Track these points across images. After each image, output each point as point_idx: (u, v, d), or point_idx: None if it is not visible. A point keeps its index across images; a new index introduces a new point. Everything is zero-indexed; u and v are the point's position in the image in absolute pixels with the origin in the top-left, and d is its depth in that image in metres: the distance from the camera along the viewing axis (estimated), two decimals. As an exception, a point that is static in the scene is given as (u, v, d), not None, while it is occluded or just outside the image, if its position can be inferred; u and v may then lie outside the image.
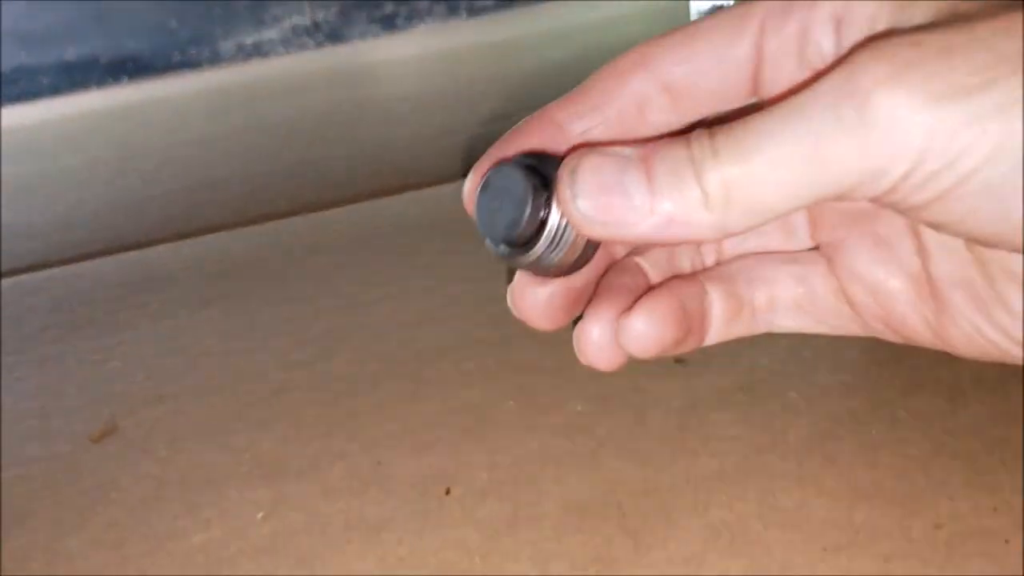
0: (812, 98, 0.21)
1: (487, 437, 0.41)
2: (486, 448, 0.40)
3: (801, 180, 0.21)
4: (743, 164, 0.21)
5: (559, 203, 0.23)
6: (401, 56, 0.96)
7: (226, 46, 1.12)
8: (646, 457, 0.39)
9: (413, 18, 1.17)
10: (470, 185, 0.26)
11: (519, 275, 0.27)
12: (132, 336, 0.49)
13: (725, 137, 0.22)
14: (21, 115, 0.84)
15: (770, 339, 0.47)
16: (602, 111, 0.25)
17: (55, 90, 1.04)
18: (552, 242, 0.24)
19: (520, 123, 0.26)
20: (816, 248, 0.29)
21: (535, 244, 0.24)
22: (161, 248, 0.58)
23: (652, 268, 0.29)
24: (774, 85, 0.25)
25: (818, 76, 0.22)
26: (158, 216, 0.62)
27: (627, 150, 0.23)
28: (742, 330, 0.30)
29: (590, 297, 0.27)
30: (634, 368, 0.45)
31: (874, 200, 0.22)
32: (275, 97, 0.85)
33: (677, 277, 0.29)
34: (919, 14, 0.22)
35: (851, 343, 0.46)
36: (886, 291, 0.27)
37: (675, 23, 0.27)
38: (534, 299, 0.27)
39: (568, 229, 0.24)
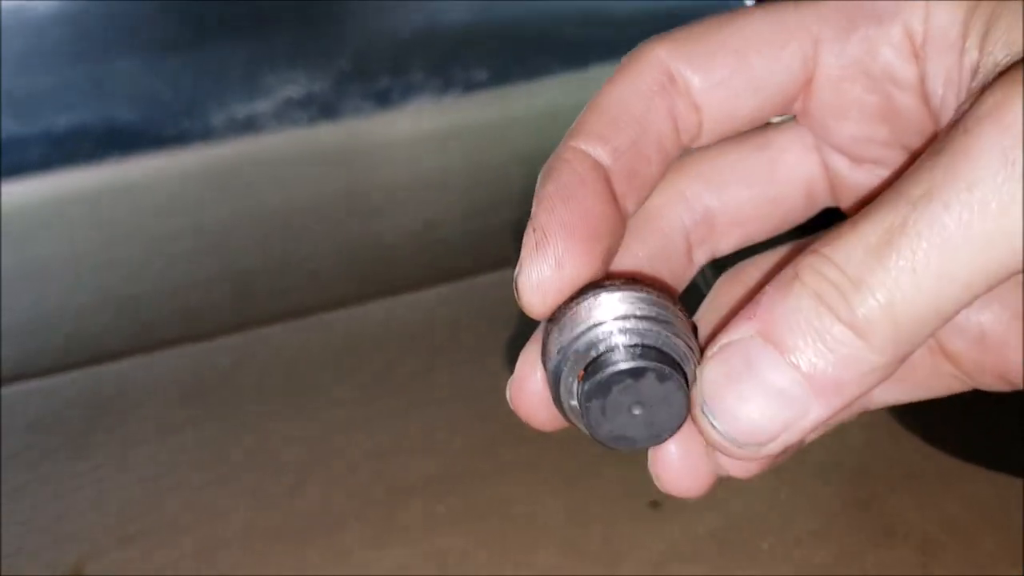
0: (972, 164, 0.17)
1: (455, 593, 0.41)
2: (453, 606, 0.40)
3: (985, 267, 0.17)
4: (904, 279, 0.17)
5: (710, 449, 0.19)
6: (394, 137, 0.96)
7: (218, 118, 1.13)
8: (614, 619, 0.39)
9: (408, 92, 1.17)
10: (535, 261, 0.20)
11: (524, 362, 0.23)
12: (104, 463, 0.49)
13: (859, 254, 0.17)
14: (9, 194, 0.84)
15: (747, 481, 0.47)
16: (641, 145, 0.22)
17: (45, 164, 1.04)
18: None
19: (561, 171, 0.21)
20: None
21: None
22: (138, 359, 0.58)
23: None
24: (835, 111, 0.22)
25: (948, 128, 0.17)
26: (137, 322, 0.62)
27: (735, 332, 0.18)
28: (845, 416, 0.25)
29: None
30: (607, 514, 0.45)
31: None
32: (264, 181, 0.86)
33: None
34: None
35: (828, 481, 0.46)
36: (995, 338, 0.23)
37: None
38: (539, 393, 0.22)
39: None
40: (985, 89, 0.18)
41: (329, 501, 0.46)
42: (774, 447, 0.18)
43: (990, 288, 0.17)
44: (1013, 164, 0.16)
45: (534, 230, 0.21)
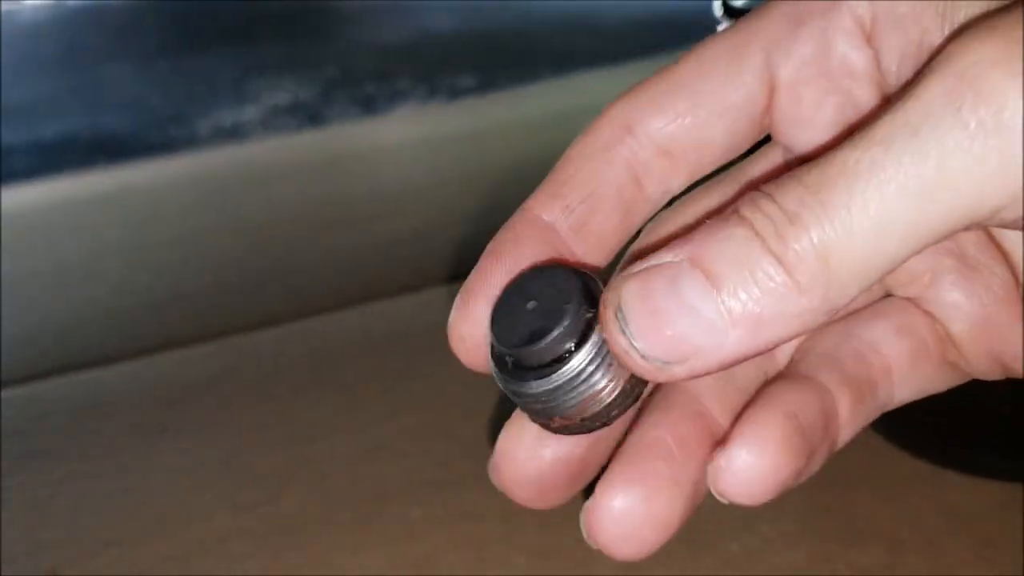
0: (918, 109, 0.16)
1: (427, 597, 0.41)
2: (425, 610, 0.40)
3: (925, 216, 0.16)
4: (839, 218, 0.16)
5: (615, 356, 0.19)
6: (380, 144, 0.96)
7: (205, 126, 1.13)
8: (583, 622, 0.40)
9: (394, 98, 1.18)
10: (458, 316, 0.22)
11: (513, 427, 0.22)
12: (82, 469, 0.50)
13: (799, 189, 0.17)
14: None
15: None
16: (596, 198, 0.22)
17: (32, 172, 1.04)
18: (585, 369, 0.19)
19: (502, 232, 0.22)
20: (888, 295, 0.24)
21: (563, 365, 0.20)
22: (119, 367, 0.58)
23: (710, 394, 0.23)
24: (795, 118, 0.22)
25: (901, 91, 0.17)
26: (121, 332, 0.63)
27: (668, 254, 0.18)
28: (865, 420, 0.24)
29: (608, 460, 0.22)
30: (578, 514, 0.46)
31: (1015, 223, 0.17)
32: (251, 189, 0.86)
33: (774, 382, 0.23)
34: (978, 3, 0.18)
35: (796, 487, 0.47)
36: (997, 321, 0.22)
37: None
38: (526, 462, 0.22)
39: (607, 364, 0.19)
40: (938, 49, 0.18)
41: (306, 506, 0.46)
42: (681, 370, 0.18)
43: (931, 243, 0.17)
44: (958, 110, 0.16)
45: (462, 291, 0.22)
